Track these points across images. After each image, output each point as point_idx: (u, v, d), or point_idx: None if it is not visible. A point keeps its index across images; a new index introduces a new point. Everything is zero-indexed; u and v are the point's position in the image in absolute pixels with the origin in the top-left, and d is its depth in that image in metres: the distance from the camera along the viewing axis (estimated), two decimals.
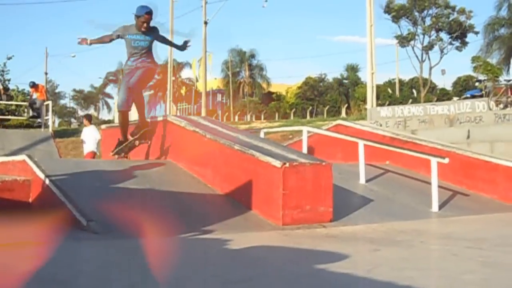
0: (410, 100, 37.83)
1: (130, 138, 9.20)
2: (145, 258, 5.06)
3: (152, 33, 8.78)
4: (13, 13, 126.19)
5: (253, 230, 6.68)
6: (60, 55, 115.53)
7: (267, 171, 7.13)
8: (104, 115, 75.62)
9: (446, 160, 8.92)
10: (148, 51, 8.85)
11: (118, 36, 8.77)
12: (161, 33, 8.98)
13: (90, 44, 8.86)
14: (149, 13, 8.48)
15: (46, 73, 67.14)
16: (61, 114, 76.58)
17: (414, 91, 49.10)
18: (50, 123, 21.85)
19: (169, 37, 10.47)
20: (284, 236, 6.34)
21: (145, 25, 8.51)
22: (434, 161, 8.89)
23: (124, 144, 9.20)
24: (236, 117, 53.60)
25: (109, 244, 5.75)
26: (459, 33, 50.39)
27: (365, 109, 24.64)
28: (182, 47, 9.28)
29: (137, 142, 9.28)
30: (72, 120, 73.89)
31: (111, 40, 8.82)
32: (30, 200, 7.40)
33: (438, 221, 8.31)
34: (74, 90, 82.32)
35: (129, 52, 8.81)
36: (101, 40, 8.96)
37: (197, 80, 56.87)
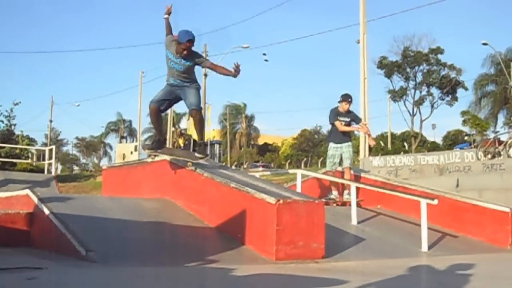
0: (402, 152, 38.22)
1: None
2: (139, 283, 5.25)
3: (192, 59, 8.49)
4: (21, 62, 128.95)
5: (247, 263, 6.85)
6: (64, 103, 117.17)
7: (262, 207, 7.33)
8: (104, 163, 76.17)
9: (435, 202, 9.12)
10: (185, 73, 8.52)
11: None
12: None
13: (166, 20, 9.03)
14: (191, 41, 8.24)
15: (51, 121, 67.84)
16: (64, 161, 77.00)
17: (405, 144, 49.57)
18: (53, 168, 21.99)
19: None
20: (278, 269, 6.52)
21: (185, 52, 8.29)
22: (423, 202, 9.10)
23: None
24: (233, 167, 53.93)
25: (109, 271, 5.92)
26: (449, 88, 51.26)
27: (358, 160, 24.98)
28: (234, 73, 8.45)
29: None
30: (74, 167, 74.16)
31: (167, 35, 8.80)
32: (31, 231, 7.59)
33: (428, 259, 8.48)
34: (77, 138, 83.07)
35: (167, 68, 8.61)
36: (167, 27, 8.97)
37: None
